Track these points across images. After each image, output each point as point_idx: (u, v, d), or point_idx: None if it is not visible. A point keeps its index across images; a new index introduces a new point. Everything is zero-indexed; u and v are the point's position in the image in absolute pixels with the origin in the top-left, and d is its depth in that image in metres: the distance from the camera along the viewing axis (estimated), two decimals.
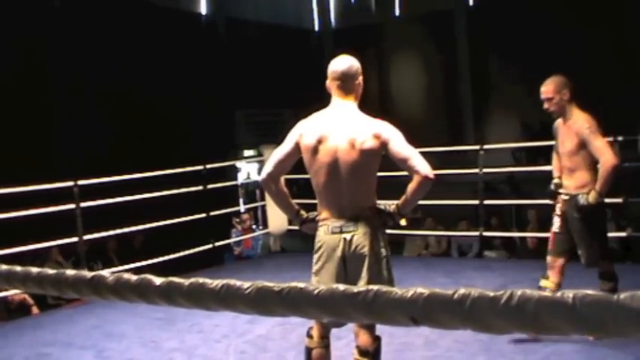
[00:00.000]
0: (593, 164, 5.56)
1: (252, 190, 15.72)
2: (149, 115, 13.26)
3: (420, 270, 9.07)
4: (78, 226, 8.40)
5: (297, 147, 4.17)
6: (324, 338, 4.29)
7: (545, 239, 10.33)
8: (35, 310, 8.89)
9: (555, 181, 5.94)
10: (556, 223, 5.93)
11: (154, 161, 9.82)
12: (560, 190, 5.86)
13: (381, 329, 4.90)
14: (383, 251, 4.13)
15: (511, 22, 16.06)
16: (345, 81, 4.19)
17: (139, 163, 9.67)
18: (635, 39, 14.28)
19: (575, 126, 5.52)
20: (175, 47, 14.17)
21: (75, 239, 8.47)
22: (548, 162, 6.25)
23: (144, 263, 8.87)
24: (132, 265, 8.83)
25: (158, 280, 1.32)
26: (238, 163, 15.14)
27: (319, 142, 4.07)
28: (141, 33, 13.46)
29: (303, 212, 4.34)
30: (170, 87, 13.75)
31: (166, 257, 9.37)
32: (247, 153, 16.77)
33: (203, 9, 16.10)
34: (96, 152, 12.10)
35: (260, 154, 10.41)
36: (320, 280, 4.11)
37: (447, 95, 17.72)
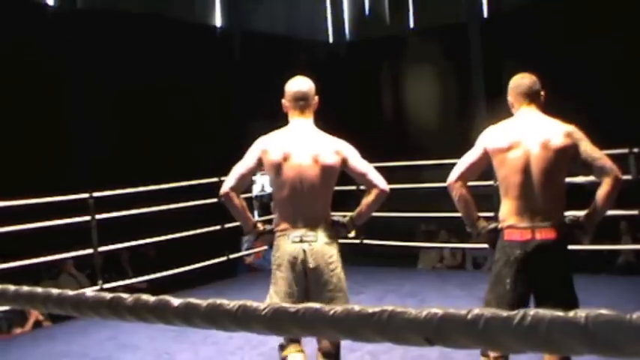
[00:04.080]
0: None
1: (267, 203, 15.73)
2: (164, 128, 13.31)
3: (435, 283, 9.07)
4: (93, 238, 8.44)
5: (259, 162, 4.43)
6: (297, 343, 4.42)
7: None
8: (46, 323, 8.90)
9: None
10: None
11: (168, 173, 9.86)
12: None
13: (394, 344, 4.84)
14: (339, 260, 4.37)
15: (524, 35, 16.04)
16: (305, 100, 4.45)
17: (153, 175, 9.71)
18: None
19: None
20: (191, 60, 14.21)
21: (90, 251, 8.50)
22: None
23: (158, 275, 8.90)
24: (146, 277, 8.86)
25: (176, 302, 1.34)
26: (252, 176, 15.08)
27: (284, 158, 4.31)
28: (156, 46, 13.51)
29: (259, 225, 4.56)
30: (185, 99, 13.79)
31: (180, 270, 9.39)
32: None
33: (218, 21, 16.16)
34: (111, 164, 12.14)
35: None
36: (278, 289, 4.33)
37: (461, 107, 17.69)
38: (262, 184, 17.38)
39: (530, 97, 4.42)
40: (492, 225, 4.38)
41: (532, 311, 1.06)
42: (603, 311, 1.02)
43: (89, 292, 1.47)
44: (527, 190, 4.20)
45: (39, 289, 1.50)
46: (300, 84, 4.51)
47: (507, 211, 4.29)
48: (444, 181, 4.53)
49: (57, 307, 1.49)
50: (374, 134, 17.08)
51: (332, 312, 1.15)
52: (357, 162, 4.45)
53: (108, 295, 1.41)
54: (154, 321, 1.35)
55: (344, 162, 4.39)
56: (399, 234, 10.74)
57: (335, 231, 4.42)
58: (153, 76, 13.26)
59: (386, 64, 18.88)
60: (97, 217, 8.48)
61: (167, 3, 14.67)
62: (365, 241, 10.16)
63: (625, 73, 13.92)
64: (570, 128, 4.33)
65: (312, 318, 1.17)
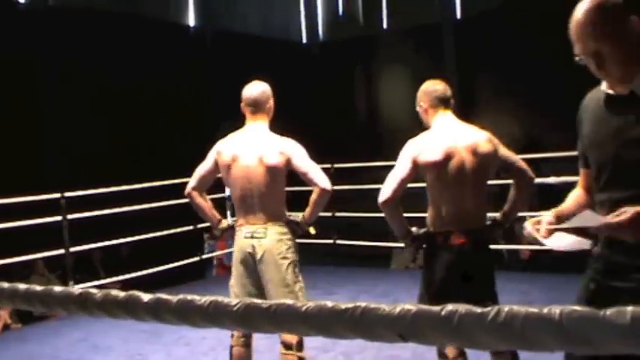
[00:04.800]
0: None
1: None
2: (136, 127, 13.23)
3: (408, 283, 9.06)
4: (65, 239, 8.37)
5: (215, 164, 4.79)
6: (244, 337, 4.75)
7: (539, 251, 10.35)
8: (15, 326, 8.79)
9: None
10: None
11: (141, 173, 9.81)
12: None
13: (367, 344, 4.84)
14: (290, 256, 4.63)
15: (497, 36, 16.11)
16: (257, 106, 4.72)
17: (126, 174, 9.66)
18: None
19: None
20: (164, 59, 14.14)
21: (61, 251, 8.43)
22: (536, 175, 6.17)
23: (130, 276, 8.85)
24: (118, 278, 8.81)
25: (146, 297, 1.33)
26: (213, 176, 15.00)
27: (233, 159, 4.65)
28: (130, 45, 13.42)
29: (224, 221, 4.96)
30: (158, 98, 13.72)
31: (152, 270, 9.34)
32: None
33: (191, 21, 16.10)
34: (82, 164, 12.05)
35: None
36: (234, 282, 4.73)
37: None
38: None
39: (446, 102, 4.52)
40: (423, 230, 4.49)
41: (506, 307, 1.05)
42: (577, 307, 1.02)
43: (57, 287, 1.45)
44: (462, 196, 4.32)
45: (5, 284, 1.48)
46: (251, 90, 4.76)
47: (441, 215, 4.36)
48: (419, 181, 4.54)
49: (25, 303, 1.47)
50: (348, 135, 17.11)
51: (304, 308, 1.14)
52: (300, 161, 4.64)
53: (77, 290, 1.39)
54: (124, 317, 1.33)
55: (288, 162, 4.62)
56: (372, 234, 10.74)
57: (289, 229, 4.68)
58: (126, 75, 13.18)
59: (359, 65, 18.89)
60: (69, 217, 8.41)
61: (141, 2, 14.60)
62: (338, 242, 10.17)
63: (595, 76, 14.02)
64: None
65: (284, 314, 1.16)
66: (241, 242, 4.66)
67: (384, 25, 18.38)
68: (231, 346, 4.87)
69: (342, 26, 18.79)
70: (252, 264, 4.62)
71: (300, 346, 4.68)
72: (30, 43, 12.04)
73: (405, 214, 4.46)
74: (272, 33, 17.49)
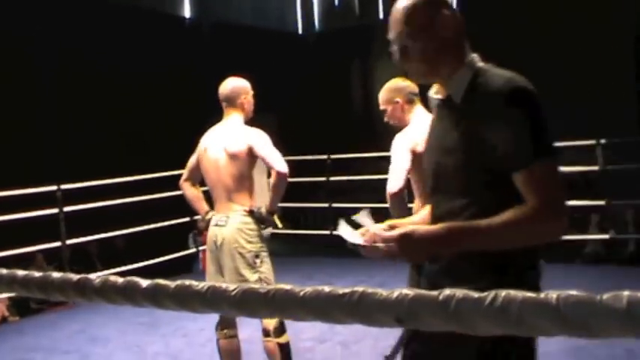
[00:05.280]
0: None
1: None
2: (131, 119, 13.21)
3: (406, 274, 9.07)
4: (61, 231, 8.36)
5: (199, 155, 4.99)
6: (228, 329, 4.93)
7: None
8: (12, 318, 8.79)
9: None
10: None
11: (138, 165, 9.80)
12: None
13: (365, 334, 4.89)
14: (248, 246, 4.72)
15: (494, 23, 16.11)
16: (228, 101, 4.89)
17: (122, 167, 9.65)
18: (615, 35, 14.35)
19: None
20: (159, 50, 14.11)
21: (58, 244, 8.42)
22: None
23: (126, 268, 8.84)
24: (115, 270, 8.80)
25: (144, 283, 1.33)
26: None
27: (204, 151, 4.88)
28: (125, 36, 13.39)
29: (210, 213, 4.98)
30: (153, 91, 13.69)
31: (149, 262, 9.34)
32: None
33: (187, 12, 16.07)
34: (80, 156, 12.03)
35: None
36: (207, 270, 4.95)
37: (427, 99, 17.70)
38: None
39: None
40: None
41: (504, 292, 1.06)
42: (574, 292, 1.03)
43: (56, 273, 1.45)
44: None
45: (4, 270, 1.48)
46: (223, 86, 4.94)
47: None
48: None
49: (23, 290, 1.47)
50: (344, 125, 17.11)
51: (302, 293, 1.14)
52: (261, 148, 4.75)
53: (75, 276, 1.39)
54: (122, 302, 1.33)
55: (250, 150, 4.74)
56: None
57: (253, 218, 4.77)
58: (122, 67, 13.15)
59: (356, 55, 18.87)
60: (65, 209, 8.40)
61: None
62: (334, 233, 10.16)
63: (591, 64, 14.03)
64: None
65: (282, 299, 1.16)
66: (210, 231, 4.85)
67: (380, 15, 18.34)
68: (217, 339, 5.02)
69: (338, 16, 18.77)
70: (215, 252, 4.79)
71: (278, 331, 4.80)
72: (26, 34, 12.00)
73: None
74: (268, 23, 17.45)
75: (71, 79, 12.48)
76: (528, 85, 2.19)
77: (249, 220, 4.75)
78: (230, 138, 4.78)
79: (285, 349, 4.86)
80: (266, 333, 4.83)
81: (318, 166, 10.83)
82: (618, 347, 5.38)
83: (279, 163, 4.72)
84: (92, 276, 1.39)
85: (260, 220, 4.78)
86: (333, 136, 14.90)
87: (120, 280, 1.33)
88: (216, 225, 4.80)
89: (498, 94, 2.17)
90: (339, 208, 10.28)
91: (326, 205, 10.19)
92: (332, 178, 10.30)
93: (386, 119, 4.78)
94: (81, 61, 12.61)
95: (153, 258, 9.43)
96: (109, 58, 12.99)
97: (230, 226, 4.71)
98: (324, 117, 17.02)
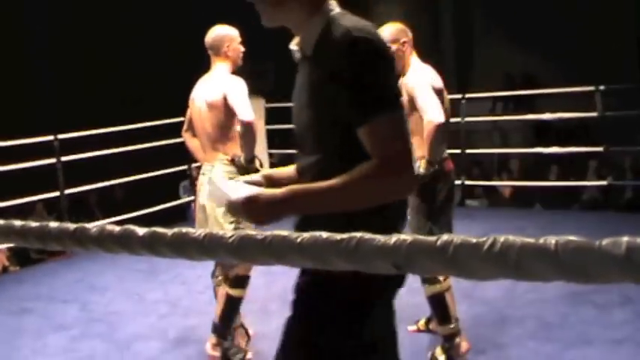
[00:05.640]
0: None
1: None
2: (129, 67, 13.16)
3: None
4: (59, 181, 8.36)
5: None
6: (223, 276, 4.89)
7: (525, 187, 10.40)
8: (13, 268, 8.84)
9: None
10: None
11: (135, 113, 9.76)
12: None
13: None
14: None
15: None
16: (213, 49, 4.84)
17: (120, 115, 9.62)
18: None
19: (406, 81, 4.60)
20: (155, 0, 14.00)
21: (57, 194, 8.43)
22: (531, 111, 6.12)
23: (126, 217, 8.86)
24: (114, 219, 8.82)
25: (141, 231, 1.33)
26: None
27: (191, 102, 4.91)
28: None
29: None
30: (147, 40, 13.61)
31: (148, 210, 9.36)
32: None
33: None
34: (76, 105, 12.00)
35: None
36: (197, 215, 4.94)
37: (430, 46, 17.66)
38: None
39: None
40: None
41: (502, 238, 1.05)
42: (572, 238, 1.02)
43: (53, 223, 1.45)
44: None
45: (1, 221, 1.48)
46: (207, 35, 4.88)
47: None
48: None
49: (20, 240, 1.47)
50: None
51: (299, 239, 1.14)
52: (232, 97, 4.63)
53: (72, 226, 1.39)
54: (119, 251, 1.33)
55: (225, 98, 4.66)
56: None
57: (235, 167, 4.72)
58: (119, 16, 13.06)
59: (352, 2, 18.72)
60: (63, 159, 8.39)
61: None
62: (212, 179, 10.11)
63: (591, 13, 13.95)
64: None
65: (279, 245, 1.16)
66: (200, 179, 4.91)
67: None
68: (214, 287, 5.09)
69: None
70: (204, 201, 4.79)
71: (234, 283, 4.78)
72: None
73: None
74: None
75: (63, 29, 12.39)
76: (373, 35, 2.09)
77: (231, 168, 4.71)
78: (209, 88, 4.76)
79: (230, 303, 4.82)
80: (225, 277, 4.82)
81: None
82: (615, 293, 5.42)
83: (244, 112, 4.56)
84: (90, 225, 1.39)
85: (241, 168, 4.68)
86: None
87: (117, 228, 1.33)
88: (203, 174, 4.84)
89: (340, 45, 2.06)
90: None
91: None
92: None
93: None
94: (77, 8, 12.51)
95: (151, 206, 9.45)
96: (104, 5, 12.89)
97: (214, 175, 4.66)
98: None
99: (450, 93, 4.92)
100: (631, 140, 10.61)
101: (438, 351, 4.66)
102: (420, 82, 4.44)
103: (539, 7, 14.61)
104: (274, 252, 1.15)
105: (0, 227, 1.46)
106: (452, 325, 4.63)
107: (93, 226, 1.38)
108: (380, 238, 1.11)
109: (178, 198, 10.64)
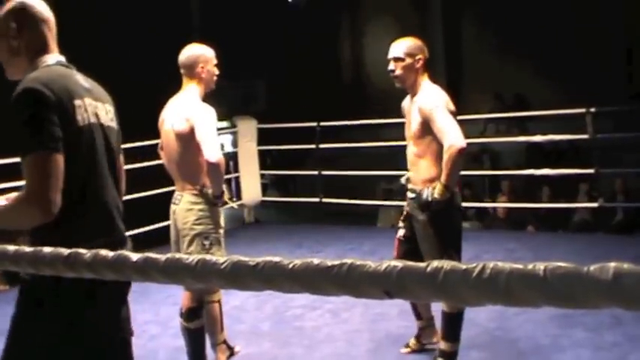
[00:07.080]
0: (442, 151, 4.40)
1: (226, 162, 15.69)
2: (121, 85, 13.13)
3: (393, 241, 9.11)
4: None
5: None
6: (208, 295, 4.73)
7: (517, 209, 10.40)
8: (2, 287, 8.78)
9: (409, 174, 4.80)
10: (401, 229, 4.98)
11: (127, 132, 9.73)
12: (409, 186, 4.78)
13: (355, 301, 4.92)
14: (197, 227, 4.52)
15: None
16: (185, 69, 4.65)
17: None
18: (611, 10, 14.34)
19: (420, 102, 4.48)
20: (148, 16, 14.02)
21: None
22: (523, 133, 6.12)
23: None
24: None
25: (135, 256, 1.33)
26: None
27: (161, 124, 4.69)
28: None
29: None
30: (140, 57, 13.62)
31: (143, 229, 9.33)
32: (220, 124, 16.64)
33: None
34: None
35: (234, 126, 10.33)
36: (172, 244, 4.78)
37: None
38: (221, 143, 17.33)
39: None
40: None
41: (491, 264, 1.07)
42: (561, 264, 1.04)
43: (47, 248, 1.45)
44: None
45: None
46: (181, 53, 4.71)
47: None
48: (403, 139, 4.59)
49: (13, 265, 1.49)
50: (334, 92, 17.08)
51: (291, 265, 1.15)
52: (199, 132, 4.40)
53: (65, 251, 1.39)
54: (113, 276, 1.34)
55: (192, 129, 4.42)
56: (359, 192, 10.78)
57: (203, 198, 4.52)
58: (108, 30, 13.07)
59: (346, 17, 18.80)
60: None
61: None
62: (324, 200, 10.18)
63: (583, 32, 14.02)
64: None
65: (271, 271, 1.17)
66: (171, 207, 4.73)
67: None
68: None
69: None
70: (174, 229, 4.71)
71: (187, 316, 4.71)
72: None
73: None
74: None
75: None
76: (40, 86, 2.52)
77: (199, 199, 4.51)
78: (177, 114, 4.50)
79: (192, 336, 4.74)
80: (180, 314, 4.76)
81: (308, 133, 10.81)
82: (605, 315, 5.43)
83: (210, 152, 4.33)
84: (83, 250, 1.39)
85: (209, 200, 4.51)
86: (323, 103, 14.87)
87: (110, 254, 1.34)
88: (173, 203, 4.67)
89: (14, 94, 2.50)
90: (329, 175, 10.29)
91: (315, 172, 10.18)
92: (321, 146, 10.28)
93: (398, 72, 4.56)
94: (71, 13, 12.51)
95: (142, 227, 9.42)
96: (97, 20, 12.91)
97: (181, 206, 4.56)
98: (313, 82, 16.99)
99: None
100: (622, 162, 10.65)
101: None
102: (438, 105, 4.38)
103: (533, 25, 14.68)
104: (266, 278, 1.17)
105: None
106: (457, 345, 4.63)
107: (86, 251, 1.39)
108: (371, 264, 1.12)
109: (165, 219, 10.61)
